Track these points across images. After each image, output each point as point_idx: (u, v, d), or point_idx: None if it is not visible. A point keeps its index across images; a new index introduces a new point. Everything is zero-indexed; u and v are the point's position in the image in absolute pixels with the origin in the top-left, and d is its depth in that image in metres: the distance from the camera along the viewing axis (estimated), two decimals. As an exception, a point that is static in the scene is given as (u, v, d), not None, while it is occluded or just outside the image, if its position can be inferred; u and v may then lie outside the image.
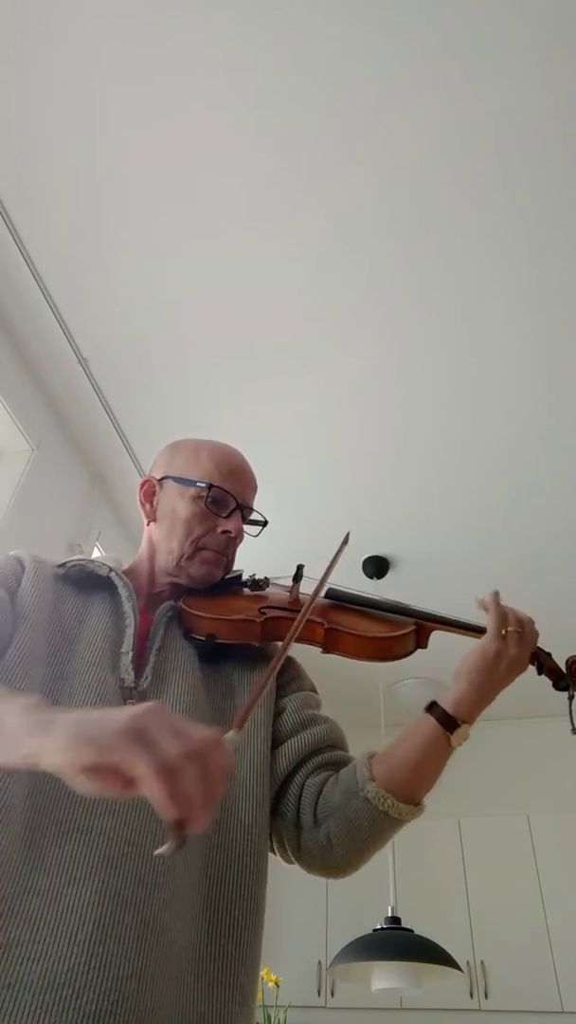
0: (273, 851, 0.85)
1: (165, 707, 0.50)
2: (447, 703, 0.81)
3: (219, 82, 1.69)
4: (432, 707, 0.81)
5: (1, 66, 1.69)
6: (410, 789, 0.79)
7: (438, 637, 0.94)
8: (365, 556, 3.09)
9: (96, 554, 2.65)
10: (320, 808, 0.82)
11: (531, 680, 0.91)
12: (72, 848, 0.65)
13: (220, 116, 1.76)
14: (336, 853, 0.80)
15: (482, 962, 3.32)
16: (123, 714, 0.48)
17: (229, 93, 1.71)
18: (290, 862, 0.86)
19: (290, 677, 0.96)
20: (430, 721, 0.80)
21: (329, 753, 0.88)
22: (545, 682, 0.93)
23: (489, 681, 0.81)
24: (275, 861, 0.88)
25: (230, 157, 1.84)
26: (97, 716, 0.49)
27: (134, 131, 1.80)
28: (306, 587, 0.98)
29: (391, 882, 2.61)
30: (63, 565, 0.91)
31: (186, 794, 0.44)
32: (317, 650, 0.91)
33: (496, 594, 0.87)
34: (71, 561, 0.92)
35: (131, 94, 1.73)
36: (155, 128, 1.79)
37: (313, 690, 0.98)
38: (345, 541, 1.02)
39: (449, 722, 0.79)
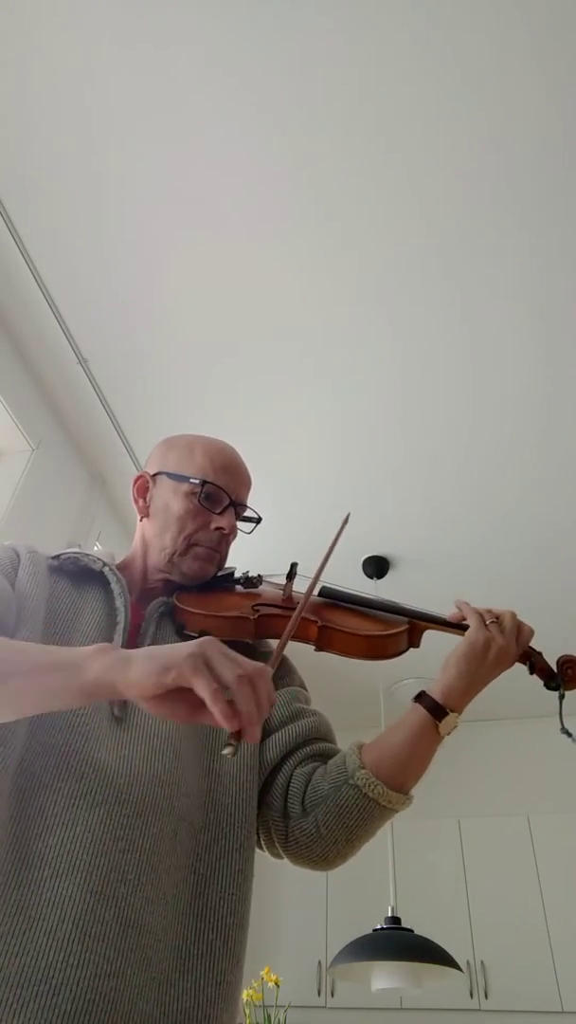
0: (260, 846, 0.85)
1: (218, 640, 0.58)
2: (435, 692, 0.82)
3: (218, 81, 1.69)
4: (421, 696, 0.83)
5: (0, 65, 1.69)
6: (400, 778, 0.80)
7: (435, 637, 0.94)
8: (365, 556, 3.09)
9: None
10: (308, 797, 0.82)
11: (530, 681, 0.91)
12: (56, 841, 0.65)
13: (220, 115, 1.76)
14: (325, 842, 0.80)
15: (482, 962, 3.32)
16: (186, 646, 0.56)
17: (228, 92, 1.71)
18: (278, 856, 0.86)
19: (280, 673, 0.96)
20: (419, 710, 0.81)
21: (317, 745, 0.88)
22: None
23: (477, 670, 0.83)
24: (273, 861, 0.88)
25: (230, 156, 1.84)
26: (166, 648, 0.57)
27: (134, 130, 1.80)
28: (300, 585, 0.98)
29: (391, 882, 2.61)
30: (57, 557, 0.91)
31: (241, 710, 0.53)
32: (311, 648, 0.92)
33: (461, 601, 0.91)
34: (65, 553, 0.92)
35: (130, 93, 1.73)
36: (155, 127, 1.79)
37: (302, 686, 0.98)
38: (345, 522, 1.02)
39: (438, 710, 0.81)
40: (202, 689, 0.53)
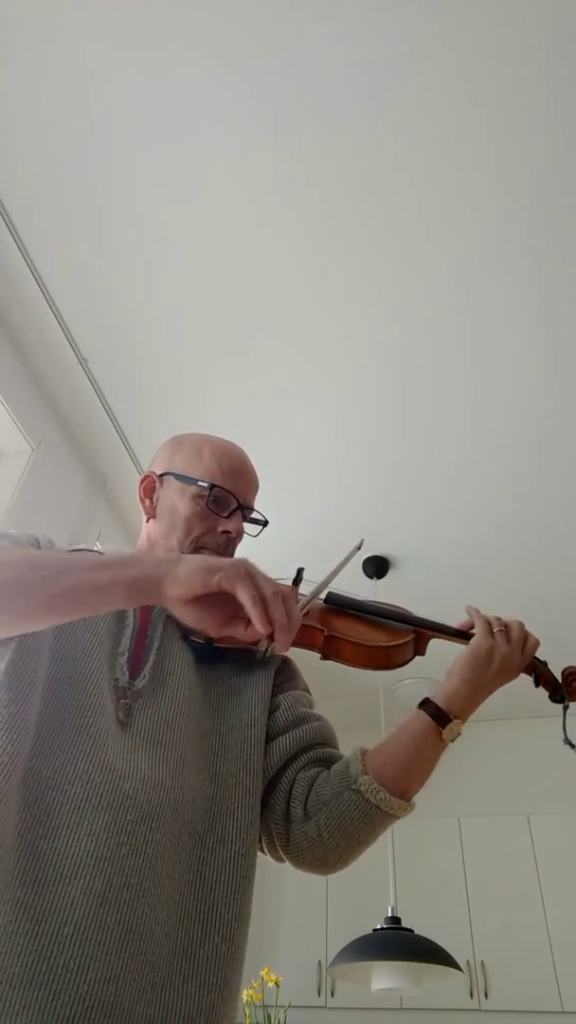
0: (262, 849, 0.85)
1: (253, 561, 0.65)
2: (440, 699, 0.82)
3: (219, 81, 1.69)
4: (425, 703, 0.83)
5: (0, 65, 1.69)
6: (402, 784, 0.80)
7: (441, 642, 0.94)
8: (365, 556, 3.09)
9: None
10: (311, 801, 0.82)
11: (531, 681, 0.91)
12: (61, 843, 0.64)
13: (220, 116, 1.76)
14: (326, 847, 0.80)
15: (482, 962, 3.32)
16: (229, 559, 0.65)
17: (229, 92, 1.71)
18: (279, 859, 0.85)
19: (285, 677, 0.95)
20: (423, 716, 0.81)
21: (320, 750, 0.88)
22: (545, 681, 0.93)
23: (481, 678, 0.83)
24: (273, 862, 0.88)
25: (230, 156, 1.83)
26: (211, 556, 0.67)
27: (134, 130, 1.80)
28: (306, 591, 0.97)
29: (391, 882, 2.61)
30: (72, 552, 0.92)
31: (274, 617, 0.62)
32: (316, 655, 0.91)
33: (471, 607, 0.93)
34: (79, 550, 0.91)
35: (130, 93, 1.73)
36: (155, 127, 1.79)
37: (307, 690, 0.98)
38: (358, 547, 1.02)
39: (441, 717, 0.81)
40: (243, 594, 0.61)
